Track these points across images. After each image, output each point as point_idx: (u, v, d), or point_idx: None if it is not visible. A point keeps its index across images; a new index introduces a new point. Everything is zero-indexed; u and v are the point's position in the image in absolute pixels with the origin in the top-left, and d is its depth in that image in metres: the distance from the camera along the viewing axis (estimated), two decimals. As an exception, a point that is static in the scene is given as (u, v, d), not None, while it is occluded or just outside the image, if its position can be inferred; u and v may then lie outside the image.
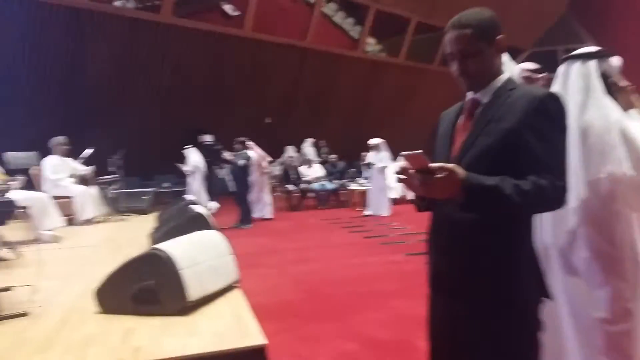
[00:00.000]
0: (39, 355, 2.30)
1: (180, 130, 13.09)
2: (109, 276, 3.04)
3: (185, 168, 9.45)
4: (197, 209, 5.20)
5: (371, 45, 16.58)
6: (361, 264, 5.91)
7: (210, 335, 2.56)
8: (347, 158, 14.30)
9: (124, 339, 2.50)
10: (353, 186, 11.41)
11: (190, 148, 9.57)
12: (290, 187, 11.30)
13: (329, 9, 15.62)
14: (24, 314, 2.91)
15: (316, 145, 14.48)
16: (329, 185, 11.61)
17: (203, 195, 9.36)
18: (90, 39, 11.72)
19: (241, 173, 8.68)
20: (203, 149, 8.65)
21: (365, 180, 11.22)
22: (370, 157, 10.40)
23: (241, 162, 8.56)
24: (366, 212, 10.15)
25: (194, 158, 9.49)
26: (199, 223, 4.64)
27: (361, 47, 16.21)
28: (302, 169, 11.88)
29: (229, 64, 13.94)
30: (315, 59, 15.39)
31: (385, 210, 9.84)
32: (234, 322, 2.77)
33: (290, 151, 14.35)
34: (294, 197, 11.40)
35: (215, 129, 12.23)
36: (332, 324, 3.96)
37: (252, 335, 2.55)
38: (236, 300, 3.21)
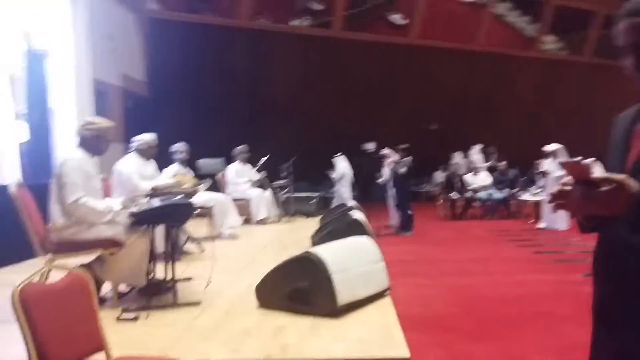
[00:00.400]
0: (203, 343, 2.58)
1: (345, 137, 13.59)
2: (268, 274, 3.29)
3: (332, 175, 9.73)
4: (356, 214, 5.34)
5: (550, 43, 15.22)
6: (529, 282, 5.43)
7: (356, 341, 2.60)
8: (519, 165, 13.29)
9: (275, 335, 2.68)
10: (525, 196, 10.57)
11: (339, 156, 9.82)
12: (454, 195, 10.90)
13: (502, 8, 14.79)
14: (197, 303, 3.31)
15: (485, 152, 13.74)
16: (497, 195, 10.93)
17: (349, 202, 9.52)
18: (267, 57, 12.87)
19: (402, 180, 8.67)
20: (366, 156, 8.80)
21: (539, 190, 10.30)
22: (545, 164, 9.51)
23: (402, 170, 8.53)
24: (540, 225, 9.32)
25: (341, 165, 9.69)
26: (356, 228, 4.76)
27: (537, 46, 14.98)
28: (468, 177, 11.38)
29: (395, 72, 14.08)
30: (485, 62, 14.68)
31: (562, 224, 8.90)
32: (381, 330, 2.77)
33: (456, 158, 13.86)
34: (458, 205, 10.98)
35: (379, 137, 12.41)
36: (490, 344, 3.71)
37: (397, 347, 2.53)
38: (385, 308, 3.21)
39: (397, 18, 14.01)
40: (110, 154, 5.74)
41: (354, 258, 3.37)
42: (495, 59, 14.69)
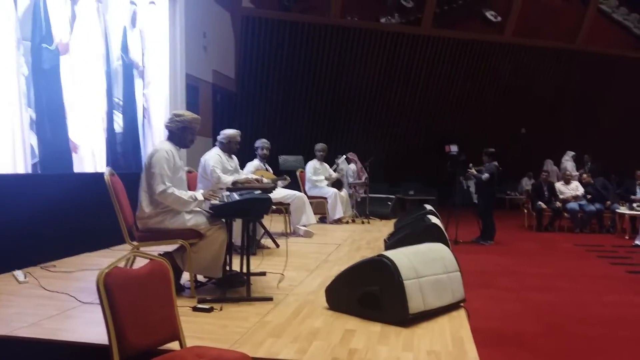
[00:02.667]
0: (272, 339, 2.62)
1: (427, 139, 13.31)
2: (338, 276, 3.28)
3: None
4: (433, 219, 5.17)
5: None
6: (619, 303, 5.01)
7: (425, 353, 2.51)
8: (617, 176, 12.30)
9: (343, 338, 2.66)
10: (622, 209, 9.75)
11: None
12: (542, 204, 10.28)
13: (608, 5, 13.74)
14: (270, 299, 3.36)
15: (578, 160, 12.83)
16: (590, 206, 10.17)
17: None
18: (354, 55, 12.88)
19: (485, 186, 8.30)
20: (448, 159, 8.52)
21: (638, 203, 9.49)
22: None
23: (485, 175, 8.17)
24: (636, 242, 8.57)
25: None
26: (432, 234, 4.61)
27: (647, 46, 13.79)
28: (559, 186, 10.69)
29: (486, 72, 13.56)
30: (585, 62, 13.73)
31: (663, 242, 8.13)
32: (453, 344, 2.66)
33: (548, 165, 13.09)
34: (545, 216, 10.34)
35: (464, 139, 12.01)
36: (574, 367, 3.46)
37: (468, 362, 2.42)
38: (459, 320, 3.08)
39: (490, 15, 13.48)
40: (198, 147, 6.04)
41: (428, 265, 3.26)
42: (598, 60, 13.69)
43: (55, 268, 4.19)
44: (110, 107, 6.04)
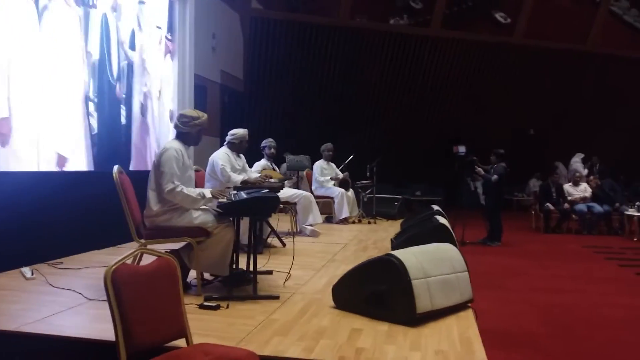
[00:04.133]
0: (278, 337, 2.61)
1: (435, 140, 13.25)
2: (345, 275, 3.26)
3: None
4: (441, 220, 5.15)
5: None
6: (629, 306, 4.95)
7: (432, 353, 2.49)
8: (626, 177, 12.20)
9: (350, 337, 2.64)
10: (631, 211, 9.66)
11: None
12: (549, 206, 10.21)
13: (618, 7, 13.64)
14: (276, 297, 3.35)
15: (587, 161, 12.74)
16: (598, 208, 10.08)
17: None
18: (361, 56, 12.87)
19: (493, 187, 8.25)
20: (456, 159, 8.48)
21: (648, 206, 9.40)
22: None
23: (495, 177, 8.12)
24: (647, 244, 8.50)
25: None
26: (440, 235, 4.59)
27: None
28: (567, 187, 10.61)
29: (494, 72, 13.50)
30: (597, 64, 13.64)
31: (673, 245, 8.05)
32: (461, 344, 2.64)
33: (560, 167, 12.99)
34: (553, 217, 10.26)
35: (472, 140, 11.97)
36: (584, 369, 3.42)
37: (476, 362, 2.40)
38: (467, 320, 3.06)
39: (500, 16, 13.44)
40: (206, 146, 6.05)
41: (436, 265, 3.24)
42: (610, 61, 13.59)
43: (62, 265, 4.20)
44: (116, 104, 6.08)
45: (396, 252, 3.20)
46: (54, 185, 4.60)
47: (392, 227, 7.24)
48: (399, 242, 4.81)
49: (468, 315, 3.15)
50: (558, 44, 13.36)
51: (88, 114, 5.56)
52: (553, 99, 13.84)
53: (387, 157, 9.93)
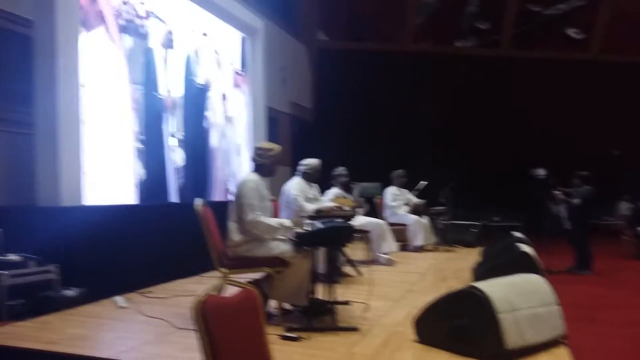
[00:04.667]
0: (362, 372, 2.56)
1: (512, 163, 12.74)
2: (427, 307, 3.16)
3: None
4: (524, 248, 4.90)
5: None
6: None
7: (527, 392, 2.34)
8: None
9: (436, 374, 2.55)
10: None
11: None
12: (644, 230, 9.45)
13: None
14: (355, 329, 3.31)
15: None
16: (702, 233, 9.21)
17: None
18: (428, 80, 12.77)
19: (578, 211, 7.76)
20: (535, 183, 8.10)
21: None
22: None
23: (576, 200, 7.65)
24: None
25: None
26: (524, 264, 4.36)
27: None
28: (662, 210, 9.81)
29: (572, 91, 12.89)
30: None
31: None
32: (556, 383, 2.47)
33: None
34: (649, 243, 9.49)
35: (551, 162, 11.44)
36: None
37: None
38: (562, 358, 2.86)
39: (572, 32, 12.91)
40: (279, 176, 6.17)
41: (524, 298, 3.07)
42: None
43: (152, 294, 4.40)
44: (199, 137, 6.39)
45: (479, 284, 3.07)
46: (142, 218, 4.88)
47: (471, 256, 6.97)
48: (481, 272, 4.62)
49: (562, 353, 2.95)
50: (638, 57, 12.59)
51: (171, 149, 5.90)
52: (638, 116, 12.96)
53: (462, 182, 9.66)
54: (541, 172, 8.10)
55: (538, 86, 12.97)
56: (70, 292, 3.79)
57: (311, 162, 5.37)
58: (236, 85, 7.54)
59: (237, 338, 2.14)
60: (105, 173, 4.88)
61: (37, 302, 3.65)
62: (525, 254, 4.61)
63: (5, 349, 2.86)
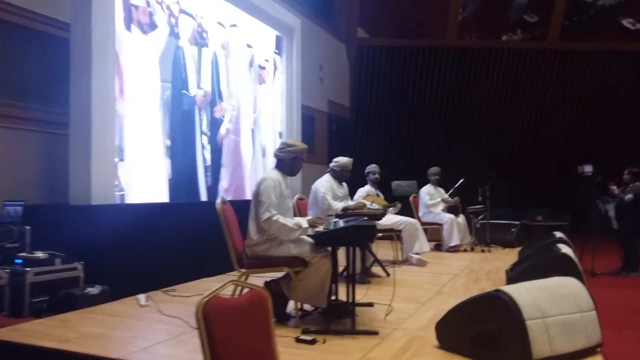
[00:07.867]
0: (374, 379, 2.44)
1: (557, 159, 12.21)
2: (450, 311, 3.00)
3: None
4: (563, 249, 4.63)
5: None
6: None
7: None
8: None
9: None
10: None
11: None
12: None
13: None
14: (375, 332, 3.18)
15: None
16: None
17: None
18: (473, 74, 12.39)
19: (628, 210, 7.30)
20: (582, 180, 7.68)
21: None
22: None
23: (629, 196, 7.19)
24: None
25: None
26: (562, 266, 4.10)
27: None
28: None
29: (625, 84, 12.21)
30: None
31: None
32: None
33: None
34: None
35: (600, 158, 10.87)
36: None
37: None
38: (596, 369, 2.65)
39: (628, 22, 12.23)
40: (314, 175, 6.11)
41: (556, 303, 2.85)
42: None
43: (175, 292, 4.41)
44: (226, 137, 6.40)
45: (507, 288, 2.89)
46: (171, 216, 4.92)
47: (509, 256, 6.69)
48: (514, 274, 4.39)
49: (597, 363, 2.73)
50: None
51: (202, 147, 5.93)
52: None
53: (504, 180, 9.31)
54: (588, 168, 7.69)
55: (588, 80, 12.38)
56: (94, 290, 3.84)
57: (341, 160, 5.29)
58: (261, 81, 7.48)
59: (240, 340, 2.07)
60: (138, 171, 4.94)
61: (60, 299, 3.70)
62: (563, 255, 4.33)
63: (15, 346, 2.89)
